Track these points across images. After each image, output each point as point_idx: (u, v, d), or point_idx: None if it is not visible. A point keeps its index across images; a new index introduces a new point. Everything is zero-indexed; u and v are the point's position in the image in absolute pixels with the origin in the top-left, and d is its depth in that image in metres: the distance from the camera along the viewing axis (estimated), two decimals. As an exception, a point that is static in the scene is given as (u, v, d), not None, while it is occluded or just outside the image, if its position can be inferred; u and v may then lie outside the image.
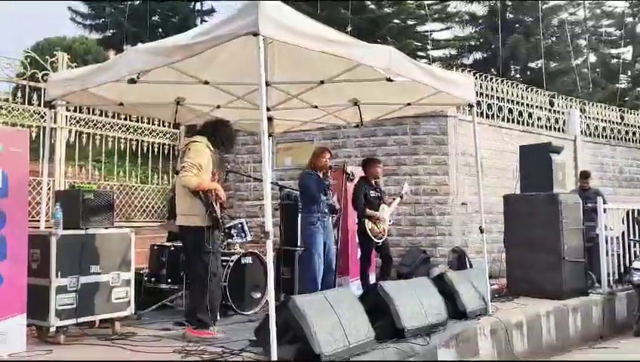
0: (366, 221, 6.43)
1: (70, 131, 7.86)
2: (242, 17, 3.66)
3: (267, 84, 5.33)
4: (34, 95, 7.36)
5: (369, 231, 6.39)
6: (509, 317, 5.73)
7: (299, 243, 6.59)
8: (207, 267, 4.50)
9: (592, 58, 22.72)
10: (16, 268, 4.16)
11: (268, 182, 3.74)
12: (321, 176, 5.84)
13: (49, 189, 6.69)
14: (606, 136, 12.75)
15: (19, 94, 7.40)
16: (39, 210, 5.73)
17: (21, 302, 4.17)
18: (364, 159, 6.91)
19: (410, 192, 8.80)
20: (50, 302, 4.41)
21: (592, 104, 12.92)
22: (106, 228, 4.94)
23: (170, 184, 9.04)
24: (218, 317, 4.89)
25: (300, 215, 6.59)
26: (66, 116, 7.82)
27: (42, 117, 7.27)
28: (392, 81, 4.67)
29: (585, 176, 8.65)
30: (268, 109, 5.89)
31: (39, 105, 7.33)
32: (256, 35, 3.57)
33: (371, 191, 6.57)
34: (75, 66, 7.44)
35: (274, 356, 3.54)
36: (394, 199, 6.92)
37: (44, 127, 5.97)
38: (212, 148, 4.78)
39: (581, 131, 12.02)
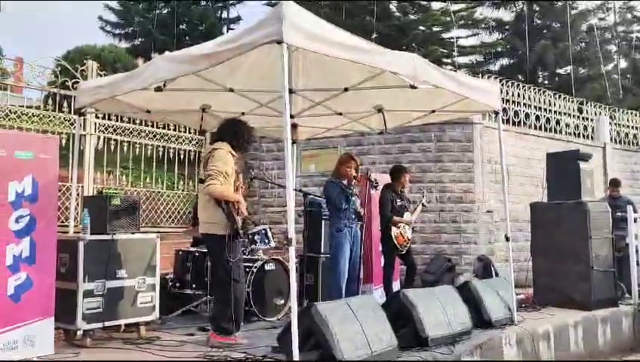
0: (392, 229, 6.40)
1: (99, 138, 8.03)
2: (267, 25, 3.69)
3: (291, 91, 5.38)
4: (64, 102, 7.54)
5: (394, 239, 6.36)
6: (536, 326, 5.62)
7: (322, 250, 6.59)
8: (229, 274, 4.50)
9: (623, 64, 22.30)
10: (45, 272, 4.24)
11: (291, 188, 3.76)
12: (345, 183, 5.82)
13: (78, 195, 6.84)
14: (637, 144, 12.46)
15: (50, 101, 7.59)
16: (68, 215, 5.86)
17: (49, 306, 4.25)
18: (394, 167, 6.81)
19: (436, 199, 8.76)
20: (77, 306, 4.50)
21: (623, 111, 12.66)
22: (132, 233, 5.02)
23: (196, 190, 9.14)
24: (242, 323, 4.90)
25: (323, 222, 6.60)
26: (95, 123, 7.99)
27: (72, 124, 7.44)
28: (415, 88, 4.66)
29: (615, 184, 8.47)
30: (292, 116, 5.93)
31: (69, 112, 7.51)
32: (280, 42, 3.59)
33: (397, 200, 6.53)
34: (105, 74, 7.61)
35: (296, 363, 3.54)
36: (416, 208, 6.89)
37: (74, 134, 6.10)
38: (235, 154, 4.74)
39: (611, 138, 11.78)
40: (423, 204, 6.87)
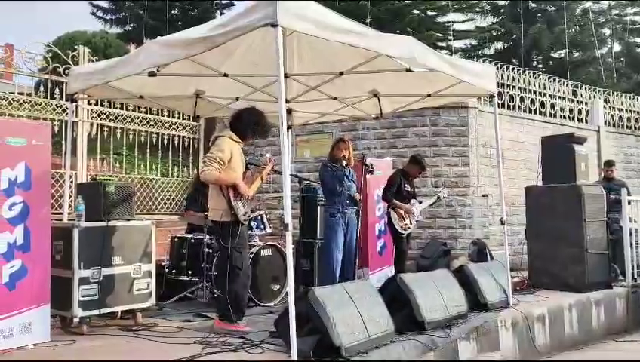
0: (392, 212, 6.49)
1: (92, 125, 7.95)
2: (261, 9, 3.64)
3: (286, 75, 5.33)
4: (56, 89, 7.45)
5: (394, 222, 6.46)
6: (531, 309, 5.66)
7: (318, 235, 6.59)
8: (228, 261, 4.48)
9: (617, 47, 22.29)
10: (40, 260, 4.22)
11: (287, 174, 3.74)
12: (338, 165, 5.81)
13: (71, 182, 6.79)
14: (631, 127, 12.49)
15: (41, 88, 7.50)
16: (62, 203, 5.81)
17: (45, 293, 4.24)
18: (415, 157, 6.85)
19: (431, 184, 8.77)
20: (73, 293, 4.48)
21: (617, 94, 12.66)
22: (127, 220, 4.99)
23: (191, 177, 9.11)
24: (245, 311, 4.85)
25: (318, 207, 6.60)
26: (88, 110, 7.91)
27: (64, 110, 7.36)
28: (411, 71, 4.62)
29: (609, 164, 8.49)
30: (287, 101, 5.89)
31: (61, 98, 7.42)
32: (274, 26, 3.55)
33: (406, 185, 6.66)
34: (96, 60, 7.51)
35: (294, 349, 3.54)
36: (431, 199, 7.00)
37: (66, 121, 6.04)
38: (238, 140, 4.68)
39: (605, 122, 11.79)
40: (438, 198, 6.98)
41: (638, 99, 12.92)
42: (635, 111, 12.68)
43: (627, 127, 12.41)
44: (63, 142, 6.60)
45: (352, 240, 5.81)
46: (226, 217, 4.51)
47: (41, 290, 4.22)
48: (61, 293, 4.44)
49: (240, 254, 4.56)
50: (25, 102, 7.26)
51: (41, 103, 7.38)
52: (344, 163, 5.81)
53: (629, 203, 7.27)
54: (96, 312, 4.63)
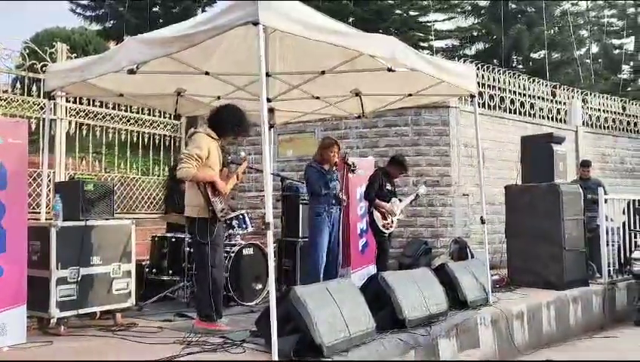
0: (374, 211, 6.50)
1: (70, 122, 7.85)
2: (242, 7, 3.63)
3: (268, 74, 5.31)
4: (33, 86, 7.33)
5: (376, 221, 6.46)
6: (510, 307, 5.73)
7: (300, 234, 6.59)
8: (204, 259, 4.45)
9: (595, 49, 22.63)
10: (16, 260, 4.16)
11: (268, 173, 3.73)
12: (326, 168, 5.80)
13: (49, 181, 6.68)
14: (608, 127, 12.70)
15: (18, 85, 7.38)
16: (39, 202, 5.73)
17: (21, 294, 4.18)
18: (397, 158, 6.83)
19: (412, 183, 8.81)
20: (50, 294, 4.41)
21: (594, 95, 12.87)
22: (107, 219, 4.93)
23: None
24: (221, 308, 4.83)
25: (301, 206, 6.60)
26: (66, 107, 7.80)
27: (42, 108, 7.25)
28: (393, 71, 4.64)
29: (585, 165, 8.61)
30: (269, 100, 5.87)
31: (38, 96, 7.31)
32: (256, 24, 3.54)
33: (387, 184, 6.66)
34: (75, 57, 7.41)
35: (275, 348, 3.54)
36: (410, 196, 7.01)
37: (44, 119, 5.94)
38: (215, 137, 4.63)
39: (583, 122, 11.97)
40: (417, 195, 6.99)
41: (615, 100, 13.15)
42: (612, 112, 12.90)
43: (604, 127, 12.62)
44: (41, 140, 6.51)
45: (335, 240, 5.82)
46: (202, 213, 4.48)
47: (18, 291, 4.15)
48: (38, 294, 4.37)
49: (215, 251, 4.52)
50: (1, 100, 7.14)
51: (18, 101, 7.26)
52: (334, 168, 5.80)
53: (606, 201, 7.40)
54: (74, 313, 4.57)
